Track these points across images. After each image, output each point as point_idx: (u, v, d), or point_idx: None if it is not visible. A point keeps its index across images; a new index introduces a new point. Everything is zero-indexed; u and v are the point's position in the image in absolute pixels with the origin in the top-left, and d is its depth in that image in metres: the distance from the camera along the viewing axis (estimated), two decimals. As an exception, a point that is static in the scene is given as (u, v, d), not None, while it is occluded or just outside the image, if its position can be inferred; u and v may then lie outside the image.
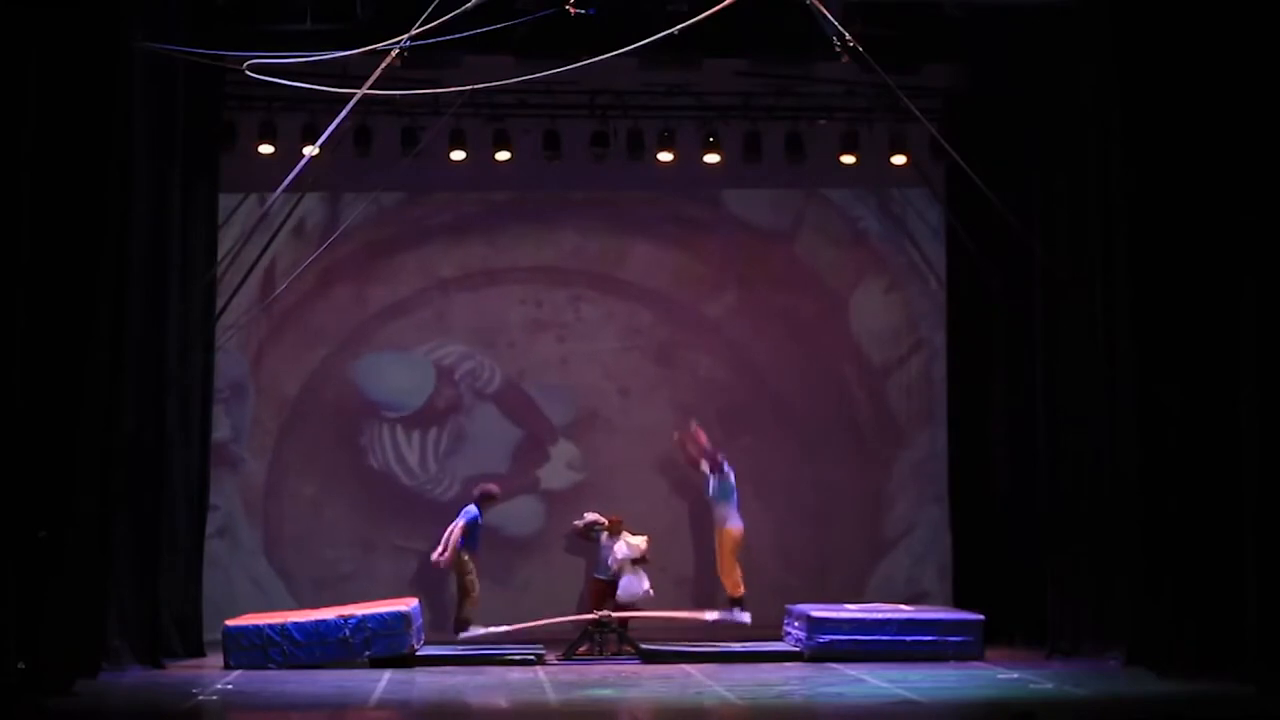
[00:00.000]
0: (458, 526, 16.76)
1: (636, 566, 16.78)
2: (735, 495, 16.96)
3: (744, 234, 19.70)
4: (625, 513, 17.25)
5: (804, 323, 19.66)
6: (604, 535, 16.97)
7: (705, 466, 17.14)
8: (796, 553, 19.39)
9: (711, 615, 17.08)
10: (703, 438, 17.25)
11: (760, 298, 19.66)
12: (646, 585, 16.79)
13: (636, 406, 19.42)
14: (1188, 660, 14.46)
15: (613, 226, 19.58)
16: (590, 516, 17.09)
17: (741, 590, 17.02)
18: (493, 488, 17.36)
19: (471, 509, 16.96)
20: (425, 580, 18.33)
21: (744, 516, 17.13)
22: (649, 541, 16.89)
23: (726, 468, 17.03)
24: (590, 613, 16.77)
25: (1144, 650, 15.04)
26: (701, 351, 19.62)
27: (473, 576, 16.79)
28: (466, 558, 16.77)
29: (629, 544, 16.78)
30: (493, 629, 16.82)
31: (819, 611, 16.62)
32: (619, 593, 16.74)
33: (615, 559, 16.75)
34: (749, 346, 19.68)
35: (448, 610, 17.47)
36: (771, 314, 19.66)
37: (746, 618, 16.95)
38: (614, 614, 16.61)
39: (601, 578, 16.96)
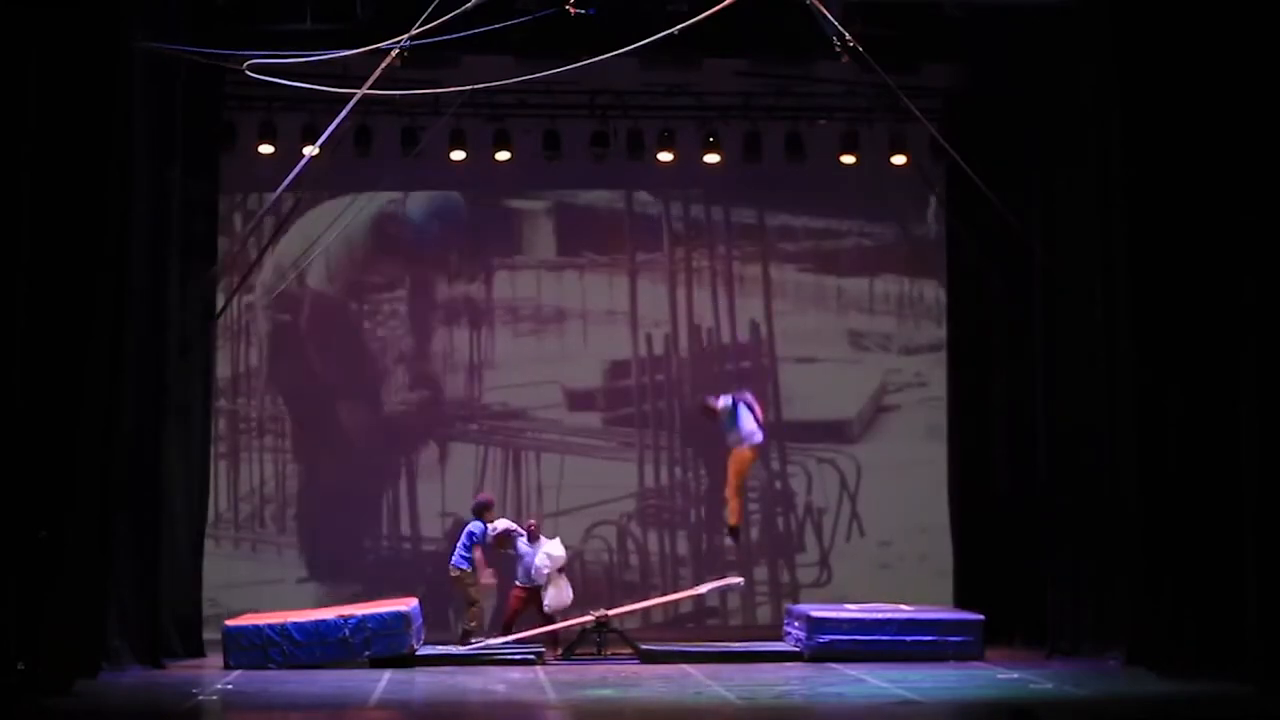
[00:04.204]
0: (471, 542, 16.72)
1: (560, 574, 16.78)
2: (742, 420, 16.77)
3: (745, 232, 19.75)
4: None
5: (804, 322, 19.69)
6: (521, 541, 16.92)
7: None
8: (796, 552, 19.42)
9: (704, 588, 16.99)
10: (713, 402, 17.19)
11: (760, 296, 19.69)
12: (570, 594, 16.79)
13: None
14: (1188, 660, 14.46)
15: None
16: (503, 524, 16.94)
17: (736, 520, 16.89)
18: (487, 497, 17.35)
19: (476, 524, 16.86)
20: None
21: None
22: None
23: (725, 400, 16.89)
24: (512, 622, 16.77)
25: (1144, 650, 15.04)
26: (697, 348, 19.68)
27: (476, 589, 16.78)
28: (472, 571, 16.75)
29: (550, 555, 16.72)
30: (492, 640, 16.75)
31: (819, 611, 16.63)
32: (546, 603, 16.68)
33: (541, 571, 16.69)
34: (747, 343, 19.72)
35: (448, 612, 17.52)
36: (769, 315, 19.67)
37: (739, 581, 16.82)
38: (610, 613, 16.62)
39: (523, 585, 16.87)
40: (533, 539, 16.87)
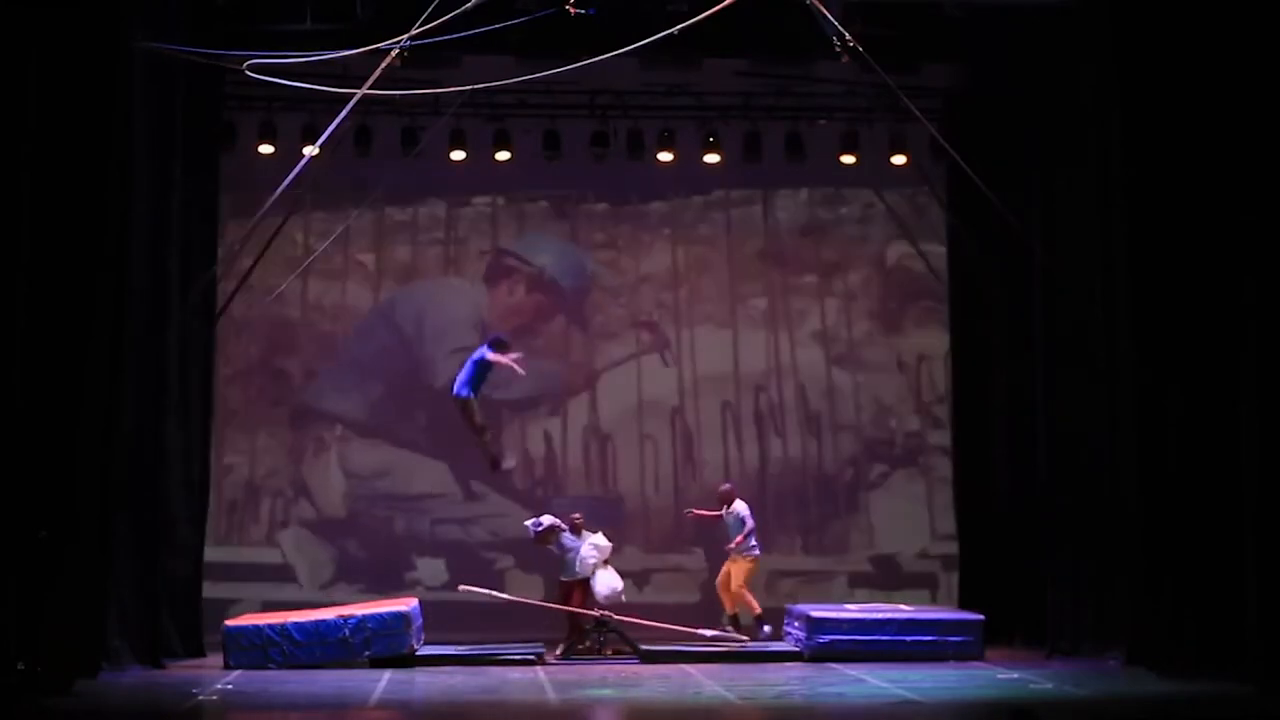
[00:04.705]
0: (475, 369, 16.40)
1: (607, 565, 16.77)
2: (747, 526, 16.83)
3: (747, 233, 19.77)
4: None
5: (804, 324, 19.70)
6: (567, 536, 16.87)
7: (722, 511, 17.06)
8: (796, 553, 19.42)
9: (709, 633, 16.94)
10: (703, 512, 17.24)
11: (761, 297, 19.70)
12: (619, 582, 16.75)
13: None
14: (1188, 660, 14.46)
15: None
16: (547, 520, 16.89)
17: (759, 610, 16.81)
18: (506, 339, 17.08)
19: (484, 351, 16.50)
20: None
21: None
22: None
23: (736, 505, 16.91)
24: (572, 617, 16.69)
25: (1144, 650, 15.03)
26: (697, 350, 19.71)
27: (479, 414, 16.39)
28: (473, 399, 16.33)
29: (596, 546, 16.71)
30: (496, 592, 16.85)
31: (819, 612, 16.62)
32: (600, 596, 16.60)
33: (586, 564, 16.67)
34: (745, 346, 19.72)
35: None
36: (770, 315, 19.68)
37: (744, 637, 16.80)
38: (612, 615, 16.57)
39: (568, 579, 16.82)
40: (576, 532, 16.85)
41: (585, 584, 16.67)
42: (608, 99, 18.60)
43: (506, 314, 19.54)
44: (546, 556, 17.14)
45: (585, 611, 16.60)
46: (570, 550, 16.77)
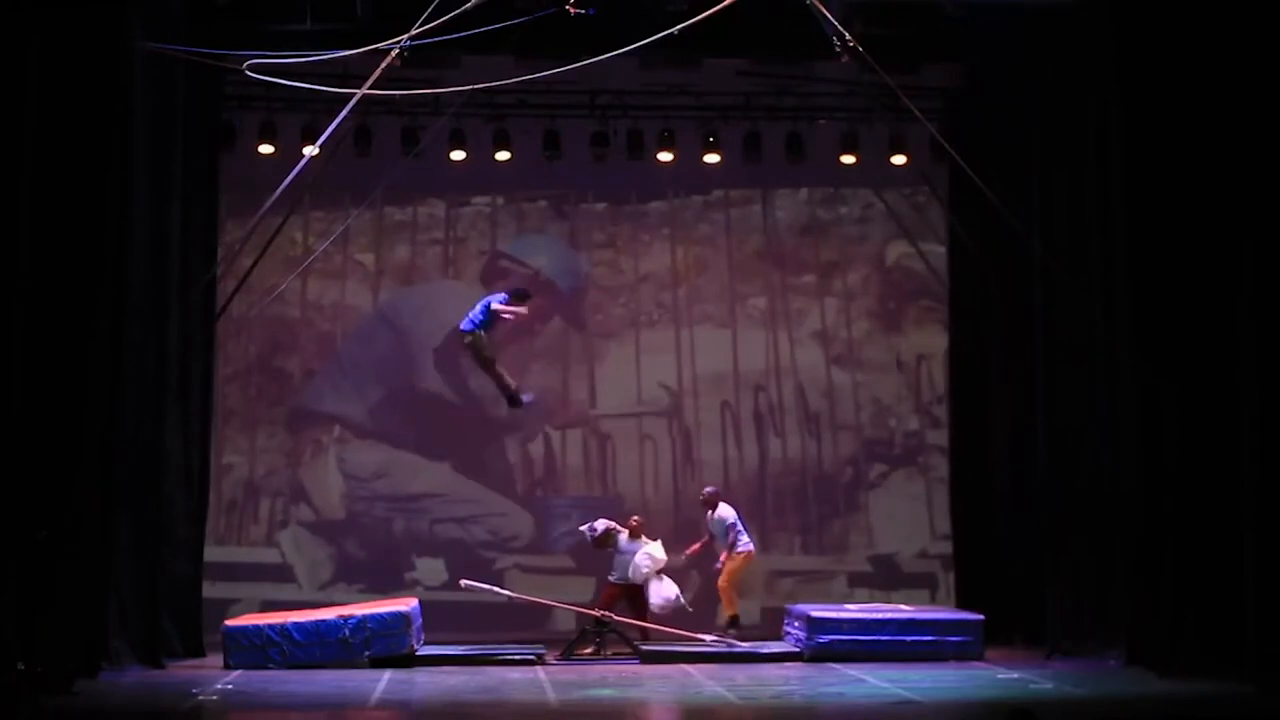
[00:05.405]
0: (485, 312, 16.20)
1: (660, 575, 16.72)
2: (735, 526, 16.83)
3: (746, 233, 19.77)
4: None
5: (804, 324, 19.70)
6: (623, 538, 16.82)
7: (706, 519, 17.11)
8: (795, 552, 19.42)
9: (709, 638, 16.91)
10: (694, 548, 17.28)
11: (761, 297, 19.71)
12: (676, 591, 16.69)
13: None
14: (1188, 660, 14.46)
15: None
16: (602, 524, 16.86)
17: (735, 611, 16.87)
18: (528, 291, 16.99)
19: (499, 297, 16.34)
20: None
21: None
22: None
23: (720, 509, 16.91)
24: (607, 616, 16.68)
25: (1144, 650, 15.03)
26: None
27: (489, 349, 16.22)
28: (480, 333, 16.14)
29: (651, 556, 16.64)
30: (497, 588, 16.86)
31: (819, 611, 16.61)
32: (655, 605, 16.58)
33: (640, 571, 16.60)
34: (745, 345, 19.73)
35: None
36: (770, 314, 19.68)
37: (742, 646, 16.76)
38: (616, 617, 16.54)
39: (617, 581, 16.79)
40: (634, 536, 16.78)
41: (635, 590, 16.63)
42: (608, 99, 18.59)
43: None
44: (545, 556, 17.14)
45: (586, 610, 16.60)
46: (625, 553, 16.70)
